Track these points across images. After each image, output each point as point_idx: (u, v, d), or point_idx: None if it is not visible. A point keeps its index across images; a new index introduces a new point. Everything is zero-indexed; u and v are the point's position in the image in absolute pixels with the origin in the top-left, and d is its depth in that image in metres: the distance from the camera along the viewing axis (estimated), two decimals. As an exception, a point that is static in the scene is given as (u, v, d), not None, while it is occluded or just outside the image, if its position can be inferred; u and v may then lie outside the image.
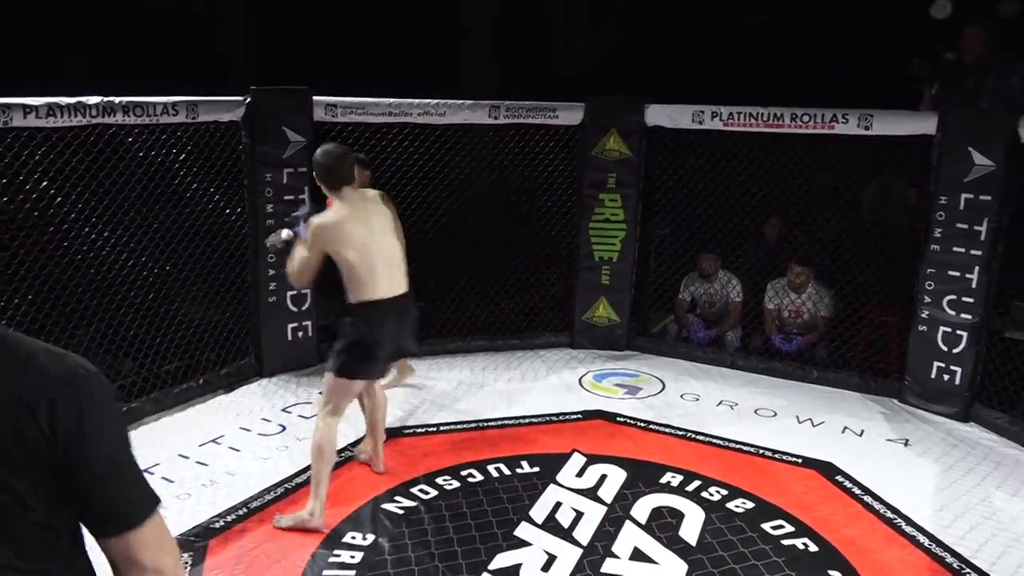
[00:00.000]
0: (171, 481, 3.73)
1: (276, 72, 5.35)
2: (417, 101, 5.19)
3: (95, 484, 1.20)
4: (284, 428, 4.36)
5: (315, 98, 4.98)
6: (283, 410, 4.59)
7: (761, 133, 5.06)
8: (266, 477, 3.79)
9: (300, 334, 5.18)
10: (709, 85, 5.63)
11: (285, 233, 3.50)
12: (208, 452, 4.05)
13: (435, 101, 5.22)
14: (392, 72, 5.92)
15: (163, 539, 1.27)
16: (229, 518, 3.42)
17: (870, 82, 5.52)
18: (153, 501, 1.27)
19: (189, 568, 3.06)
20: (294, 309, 5.13)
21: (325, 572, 3.05)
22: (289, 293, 5.09)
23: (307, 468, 3.85)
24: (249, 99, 4.76)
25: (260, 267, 4.97)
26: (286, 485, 3.72)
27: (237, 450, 4.08)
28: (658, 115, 5.35)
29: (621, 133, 5.42)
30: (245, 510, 3.49)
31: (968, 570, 3.16)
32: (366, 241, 3.20)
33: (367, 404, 3.79)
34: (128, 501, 1.24)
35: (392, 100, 5.13)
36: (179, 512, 3.46)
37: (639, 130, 5.38)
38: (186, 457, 3.99)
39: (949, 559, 3.23)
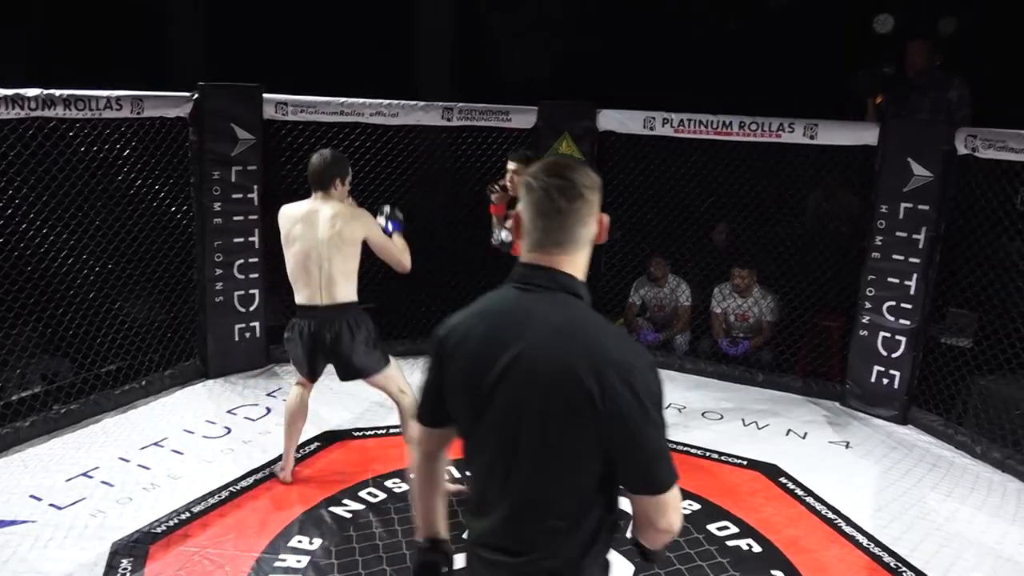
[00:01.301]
0: (111, 485, 3.64)
1: (227, 70, 5.23)
2: (369, 101, 5.15)
3: (634, 453, 1.45)
4: (229, 430, 4.28)
5: (265, 96, 4.90)
6: (228, 412, 4.51)
7: (711, 140, 5.15)
8: (210, 480, 3.72)
9: (248, 335, 5.09)
10: (661, 94, 5.70)
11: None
12: (150, 455, 3.96)
13: (387, 101, 5.19)
14: (345, 76, 5.86)
15: (678, 505, 1.54)
16: (171, 523, 3.34)
17: (817, 93, 5.65)
18: (674, 476, 1.51)
19: (130, 574, 2.98)
20: (242, 309, 5.05)
21: (270, 577, 3.00)
22: (237, 293, 5.00)
23: (253, 471, 3.81)
24: (197, 95, 4.67)
25: (207, 266, 4.87)
26: (231, 488, 3.65)
27: (180, 453, 4.00)
28: (610, 120, 5.40)
29: (574, 137, 5.46)
30: (188, 514, 3.42)
31: (904, 568, 3.25)
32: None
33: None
34: (659, 471, 1.49)
35: (344, 99, 5.09)
36: (119, 516, 3.37)
37: (591, 134, 5.42)
38: (127, 460, 3.89)
39: (887, 558, 3.32)
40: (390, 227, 3.70)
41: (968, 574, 3.24)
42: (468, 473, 1.60)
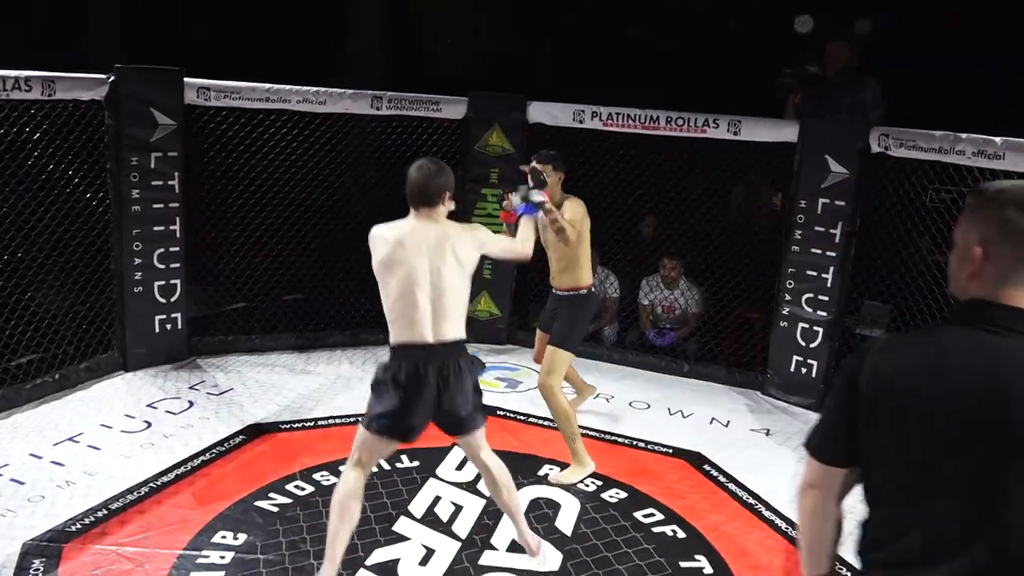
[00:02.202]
0: (21, 483, 3.48)
1: (146, 52, 5.03)
2: (296, 88, 5.04)
3: None
4: (149, 424, 4.15)
5: (187, 80, 4.75)
6: (149, 406, 4.37)
7: (638, 134, 5.23)
8: (128, 477, 3.60)
9: (168, 326, 4.94)
10: (591, 89, 5.76)
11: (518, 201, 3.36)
12: (64, 451, 3.80)
13: (315, 89, 5.10)
14: (274, 64, 5.73)
15: None
16: (86, 520, 3.22)
17: (741, 90, 5.80)
18: None
19: (41, 575, 2.87)
20: (162, 300, 4.89)
21: (193, 574, 2.92)
22: (157, 283, 4.84)
23: (174, 466, 3.70)
24: (113, 78, 4.49)
25: (124, 255, 4.70)
26: (151, 484, 3.54)
27: (97, 448, 3.85)
28: (539, 112, 5.43)
29: (504, 129, 5.46)
30: (105, 511, 3.30)
31: (820, 550, 3.38)
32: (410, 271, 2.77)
33: (487, 486, 3.08)
34: None
35: (269, 85, 4.97)
36: (30, 516, 3.23)
37: (522, 126, 5.44)
38: (39, 457, 3.73)
39: (803, 540, 3.44)
40: (521, 210, 3.28)
41: (878, 554, 3.38)
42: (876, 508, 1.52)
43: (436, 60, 7.62)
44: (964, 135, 4.08)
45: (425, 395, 2.72)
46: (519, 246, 3.17)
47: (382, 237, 2.81)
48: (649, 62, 6.87)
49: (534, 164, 3.72)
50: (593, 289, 3.99)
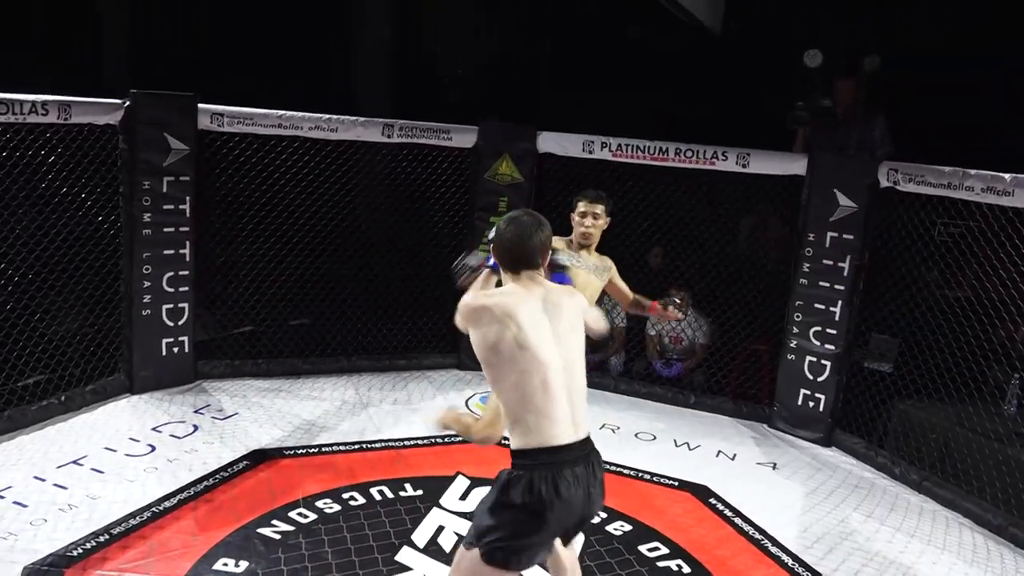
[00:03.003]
0: (24, 506, 3.47)
1: (157, 78, 5.09)
2: (308, 115, 5.09)
3: None
4: (153, 448, 4.14)
5: (200, 106, 4.80)
6: (153, 429, 4.36)
7: (647, 165, 5.25)
8: (131, 501, 3.58)
9: (175, 350, 4.95)
10: (591, 92, 5.79)
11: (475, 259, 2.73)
12: (68, 474, 3.79)
13: (327, 116, 5.14)
14: (281, 87, 5.80)
15: None
16: (88, 545, 3.20)
17: (748, 124, 5.84)
18: None
19: (41, 600, 2.85)
20: (170, 324, 4.90)
21: (193, 601, 2.90)
22: (165, 306, 4.86)
23: (177, 491, 3.68)
24: (129, 103, 4.55)
25: (134, 278, 4.72)
26: (154, 509, 3.52)
27: (100, 472, 3.84)
28: (549, 142, 5.47)
29: (513, 158, 5.50)
30: (107, 536, 3.28)
31: (827, 588, 3.34)
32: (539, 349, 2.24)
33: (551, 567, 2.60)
34: None
35: (282, 112, 5.02)
36: (32, 539, 3.21)
37: (531, 156, 5.47)
38: (42, 479, 3.72)
39: (810, 578, 3.40)
40: (562, 280, 2.68)
41: (887, 593, 3.34)
42: None
43: (437, 60, 7.69)
44: (973, 171, 4.08)
45: (576, 509, 2.22)
46: (604, 322, 2.68)
47: (489, 312, 2.23)
48: (650, 63, 6.92)
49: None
50: None
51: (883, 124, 5.04)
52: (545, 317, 2.27)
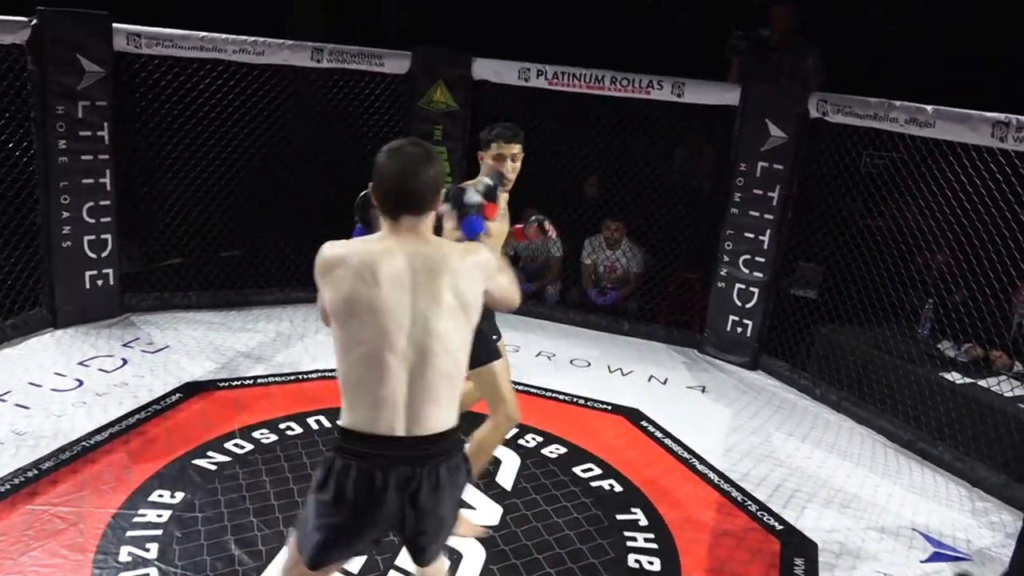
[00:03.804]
0: (-55, 443, 3.37)
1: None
2: (232, 36, 4.87)
3: None
4: (81, 383, 4.04)
5: (115, 25, 4.54)
6: (80, 364, 4.25)
7: (583, 94, 5.22)
8: (60, 436, 3.51)
9: (100, 282, 4.79)
10: (536, 46, 5.70)
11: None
12: (-10, 410, 3.69)
13: (252, 38, 4.93)
14: (211, 15, 5.50)
15: None
16: (16, 480, 3.14)
17: (685, 52, 5.83)
18: None
19: (-32, 536, 2.80)
20: (92, 255, 4.73)
21: (129, 533, 2.89)
22: (87, 238, 4.68)
23: (108, 425, 3.62)
24: (36, 20, 4.27)
25: (52, 208, 4.52)
26: (84, 443, 3.46)
27: (26, 407, 3.74)
28: (484, 69, 5.37)
29: (448, 85, 5.39)
30: (35, 471, 3.22)
31: (750, 502, 3.51)
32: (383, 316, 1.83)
33: None
34: None
35: (204, 34, 4.79)
36: (-44, 476, 3.14)
37: (466, 83, 5.38)
38: (-37, 416, 3.61)
39: (735, 493, 3.57)
40: (472, 227, 2.25)
41: (805, 504, 3.54)
42: None
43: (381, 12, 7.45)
44: (898, 103, 4.18)
45: (379, 518, 1.85)
46: (516, 290, 2.14)
47: (341, 261, 1.84)
48: (594, 21, 6.84)
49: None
50: None
51: (816, 55, 5.09)
52: (408, 281, 1.83)
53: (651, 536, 3.19)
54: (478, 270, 1.92)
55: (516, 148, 3.08)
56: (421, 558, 1.99)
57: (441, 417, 1.87)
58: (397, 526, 1.88)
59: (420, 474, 1.83)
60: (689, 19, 6.49)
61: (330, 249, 1.88)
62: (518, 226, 3.24)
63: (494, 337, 3.11)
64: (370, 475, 1.81)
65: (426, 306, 1.83)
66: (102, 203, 4.70)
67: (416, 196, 1.87)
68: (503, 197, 3.09)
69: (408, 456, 1.83)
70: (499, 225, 3.06)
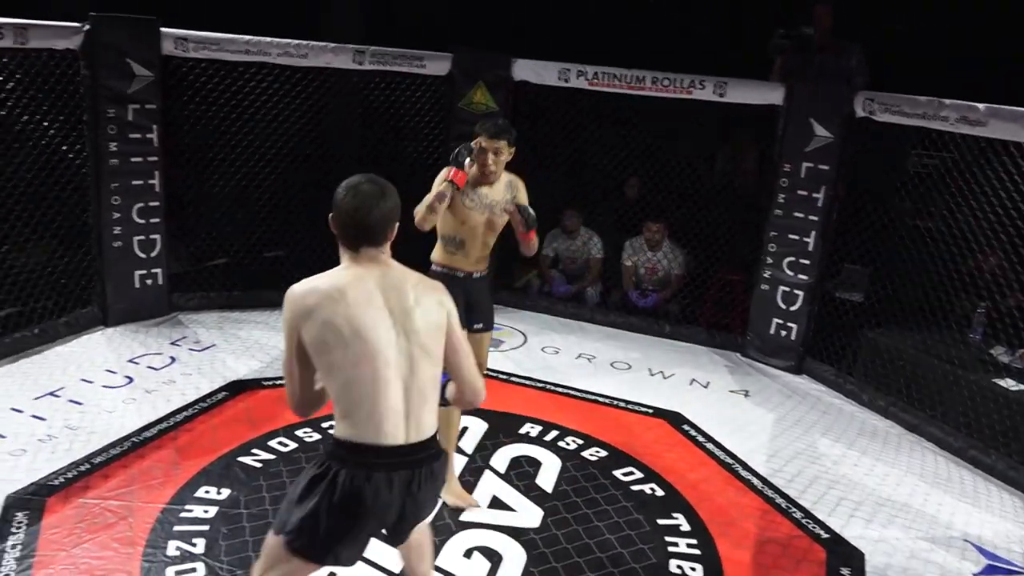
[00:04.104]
0: (3, 437, 3.47)
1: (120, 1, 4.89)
2: (277, 40, 4.95)
3: None
4: (131, 380, 4.13)
5: (163, 30, 4.64)
6: (130, 361, 4.35)
7: (624, 95, 5.19)
8: (111, 431, 3.59)
9: (149, 282, 4.90)
10: (575, 44, 5.69)
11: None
12: (46, 405, 3.78)
13: (296, 42, 5.00)
14: (252, 16, 5.58)
15: None
16: (69, 474, 3.22)
17: (726, 53, 5.76)
18: None
19: (25, 528, 2.87)
20: (142, 255, 4.84)
21: (176, 528, 2.94)
22: (136, 238, 4.79)
23: (157, 422, 3.70)
24: (88, 26, 4.38)
25: (103, 210, 4.63)
26: (134, 439, 3.54)
27: (78, 403, 3.84)
28: (525, 70, 5.37)
29: (488, 86, 5.40)
30: (88, 466, 3.30)
31: (794, 509, 3.46)
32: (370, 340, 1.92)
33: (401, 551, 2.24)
34: None
35: (249, 37, 4.87)
36: (12, 469, 3.22)
37: (506, 84, 5.38)
38: (19, 411, 3.71)
39: (779, 500, 3.52)
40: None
41: (852, 512, 3.47)
42: None
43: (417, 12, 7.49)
44: (948, 101, 4.09)
45: (380, 516, 1.96)
46: (480, 382, 2.17)
47: (311, 294, 1.92)
48: (634, 19, 6.80)
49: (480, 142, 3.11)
50: None
51: (860, 52, 5.00)
52: (383, 302, 1.95)
53: (693, 542, 3.16)
54: (440, 306, 2.04)
55: (498, 144, 3.12)
56: (401, 539, 2.10)
57: (432, 419, 2.01)
58: (397, 518, 2.00)
59: (419, 474, 1.97)
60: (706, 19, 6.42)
61: (299, 287, 1.95)
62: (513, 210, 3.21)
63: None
64: (377, 483, 1.91)
65: (403, 319, 1.96)
66: (151, 204, 4.80)
67: (372, 229, 1.98)
68: (489, 190, 3.18)
69: (409, 461, 1.95)
70: (478, 216, 3.17)
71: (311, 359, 1.93)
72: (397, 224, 2.06)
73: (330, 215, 2.03)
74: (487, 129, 3.13)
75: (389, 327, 1.93)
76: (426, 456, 1.98)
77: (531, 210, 3.16)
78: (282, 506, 2.01)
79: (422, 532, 2.17)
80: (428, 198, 3.08)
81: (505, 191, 3.21)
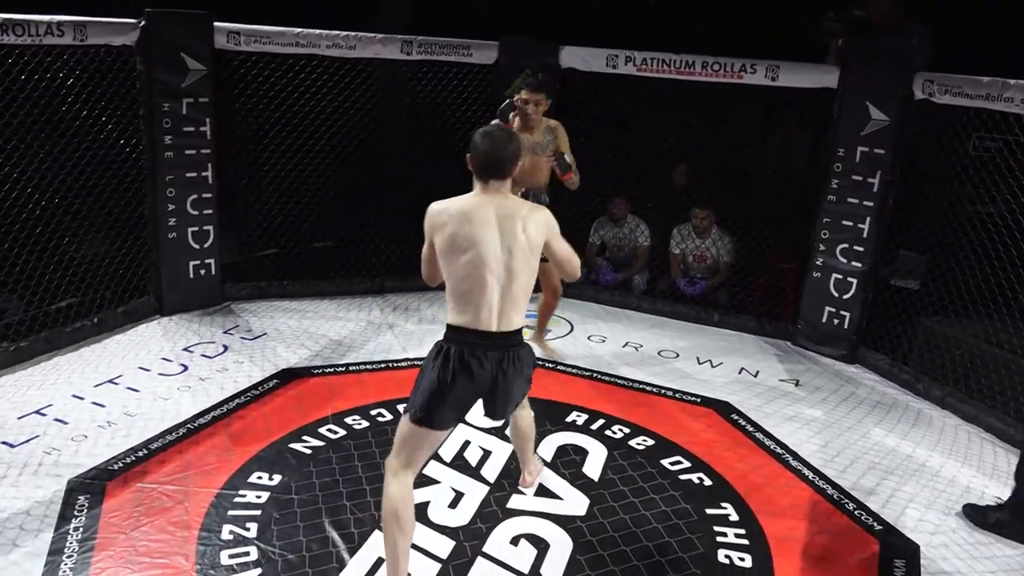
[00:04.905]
0: (65, 423, 3.59)
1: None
2: (326, 32, 5.00)
3: None
4: (186, 368, 4.24)
5: (216, 24, 4.72)
6: (185, 350, 4.46)
7: (673, 80, 5.12)
8: (167, 418, 3.70)
9: (202, 272, 5.01)
10: (619, 29, 5.62)
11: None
12: (105, 393, 3.91)
13: (344, 33, 5.04)
14: (300, 7, 5.64)
15: None
16: (128, 460, 3.33)
17: (779, 36, 5.64)
18: None
19: (87, 511, 2.98)
20: (196, 246, 4.95)
21: (230, 512, 3.02)
22: (191, 229, 4.90)
23: (211, 408, 3.79)
24: (144, 22, 4.48)
25: (159, 202, 4.75)
26: (188, 426, 3.64)
27: (136, 391, 3.96)
28: (572, 57, 5.33)
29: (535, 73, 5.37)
30: (145, 451, 3.40)
31: (847, 500, 3.39)
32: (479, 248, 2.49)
33: (509, 430, 3.17)
34: None
35: (299, 30, 4.93)
36: (75, 454, 3.34)
37: (553, 72, 5.35)
38: (81, 398, 3.84)
39: (831, 491, 3.46)
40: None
41: (907, 504, 3.39)
42: None
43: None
44: (1013, 81, 3.94)
45: (479, 384, 2.52)
46: (575, 259, 2.74)
47: (445, 212, 2.51)
48: (685, 5, 6.68)
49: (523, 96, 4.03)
50: None
51: (921, 33, 4.83)
52: (496, 223, 2.50)
53: (742, 532, 3.12)
54: (542, 223, 2.60)
55: (539, 96, 4.03)
56: (496, 414, 2.67)
57: (518, 319, 2.57)
58: (490, 389, 2.55)
59: (507, 356, 2.54)
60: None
61: (435, 206, 2.55)
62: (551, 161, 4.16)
63: None
64: (475, 356, 2.49)
65: (509, 241, 2.51)
66: (204, 196, 4.90)
67: (500, 165, 2.55)
68: (529, 135, 4.09)
69: (499, 344, 2.52)
70: (532, 159, 4.05)
71: (437, 255, 2.53)
72: (519, 164, 2.62)
73: (467, 155, 2.59)
74: (529, 84, 4.02)
75: (497, 244, 2.49)
76: (513, 343, 2.55)
77: (565, 156, 3.95)
78: (410, 396, 2.57)
79: (525, 420, 3.05)
80: None
81: (544, 134, 4.11)
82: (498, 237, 2.49)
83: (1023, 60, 4.18)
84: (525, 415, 3.05)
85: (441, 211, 2.53)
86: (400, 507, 2.48)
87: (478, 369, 2.49)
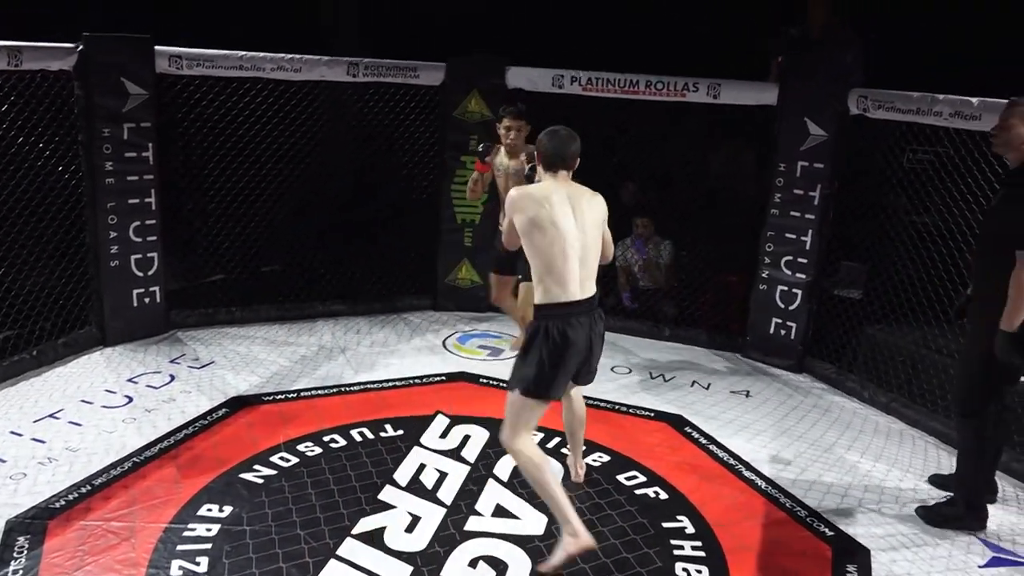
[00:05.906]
0: (3, 461, 3.46)
1: (116, 20, 4.89)
2: (270, 55, 4.96)
3: None
4: (131, 399, 4.13)
5: (158, 48, 4.65)
6: (129, 380, 4.35)
7: (618, 99, 5.19)
8: (112, 452, 3.59)
9: (147, 300, 4.90)
10: (568, 49, 5.70)
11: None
12: (45, 428, 3.78)
13: (290, 56, 5.01)
14: (245, 29, 5.59)
15: None
16: (70, 496, 3.21)
17: (721, 54, 5.77)
18: None
19: (27, 552, 2.87)
20: (139, 274, 4.84)
21: (179, 547, 2.93)
22: (134, 257, 4.79)
23: (158, 440, 3.69)
24: (82, 46, 4.39)
25: (100, 229, 4.64)
26: (135, 459, 3.53)
27: (78, 424, 3.83)
28: (518, 77, 5.38)
29: (482, 94, 5.41)
30: (89, 487, 3.29)
31: (799, 508, 3.45)
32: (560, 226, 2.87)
33: (564, 415, 3.46)
34: None
35: (243, 53, 4.88)
36: (13, 493, 3.22)
37: (500, 92, 5.39)
38: (19, 434, 3.70)
39: (783, 499, 3.51)
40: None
41: (856, 509, 3.46)
42: None
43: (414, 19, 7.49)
44: (941, 96, 4.09)
45: (581, 349, 2.88)
46: (612, 246, 3.21)
47: (527, 197, 2.91)
48: (628, 23, 6.81)
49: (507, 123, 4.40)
50: None
51: (856, 48, 4.99)
52: (569, 204, 2.90)
53: (698, 544, 3.15)
54: (602, 204, 3.04)
55: (520, 123, 4.41)
56: (588, 378, 3.10)
57: (592, 287, 2.95)
58: (587, 351, 2.93)
59: (593, 316, 2.94)
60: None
61: (516, 191, 2.95)
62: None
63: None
64: (571, 325, 2.85)
65: (582, 220, 2.91)
66: (148, 222, 4.80)
67: (567, 158, 2.99)
68: (509, 160, 4.50)
69: (586, 308, 2.90)
70: (500, 180, 4.57)
71: (520, 236, 2.90)
72: (579, 158, 3.02)
73: (534, 151, 3.11)
74: (510, 112, 4.43)
75: (572, 223, 2.88)
76: (594, 306, 2.94)
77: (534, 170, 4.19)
78: (511, 373, 2.96)
79: (581, 402, 3.44)
80: (468, 186, 4.71)
81: (520, 161, 4.39)
82: (573, 217, 2.88)
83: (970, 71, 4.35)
84: (580, 397, 3.41)
85: (522, 196, 2.91)
86: (537, 456, 2.90)
87: (575, 336, 2.84)
